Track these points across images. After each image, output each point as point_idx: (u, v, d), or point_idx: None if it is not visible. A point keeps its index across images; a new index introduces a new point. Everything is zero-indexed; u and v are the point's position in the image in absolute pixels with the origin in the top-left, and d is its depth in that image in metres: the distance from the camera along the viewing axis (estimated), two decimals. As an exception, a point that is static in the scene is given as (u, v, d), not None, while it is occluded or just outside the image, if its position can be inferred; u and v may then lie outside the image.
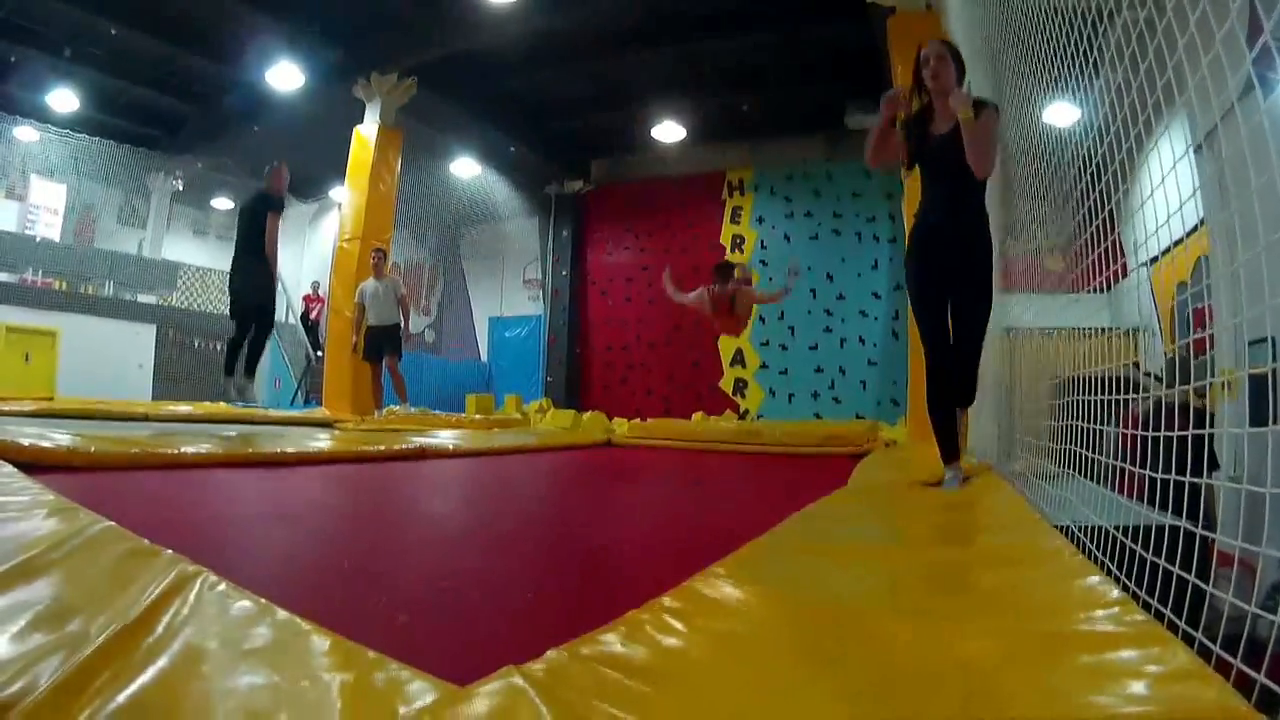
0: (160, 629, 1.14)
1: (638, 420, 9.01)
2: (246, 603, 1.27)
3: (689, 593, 1.45)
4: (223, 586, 1.33)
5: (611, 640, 1.17)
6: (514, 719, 0.90)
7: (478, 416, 9.98)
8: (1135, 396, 2.25)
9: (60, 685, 0.94)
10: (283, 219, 7.18)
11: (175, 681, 0.99)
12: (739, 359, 13.82)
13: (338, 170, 12.06)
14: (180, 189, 16.69)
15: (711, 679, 1.08)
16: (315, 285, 15.66)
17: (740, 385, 13.75)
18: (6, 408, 7.24)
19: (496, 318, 17.12)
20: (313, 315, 15.50)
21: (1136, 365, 2.66)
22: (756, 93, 12.37)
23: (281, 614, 1.22)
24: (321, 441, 5.54)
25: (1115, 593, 1.38)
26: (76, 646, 1.04)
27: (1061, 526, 2.25)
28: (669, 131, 13.42)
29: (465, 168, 15.03)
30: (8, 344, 13.60)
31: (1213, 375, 1.93)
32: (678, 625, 1.27)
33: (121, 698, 0.93)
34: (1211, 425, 1.92)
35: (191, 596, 1.28)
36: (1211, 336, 1.81)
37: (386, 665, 1.06)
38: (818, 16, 9.89)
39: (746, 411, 13.37)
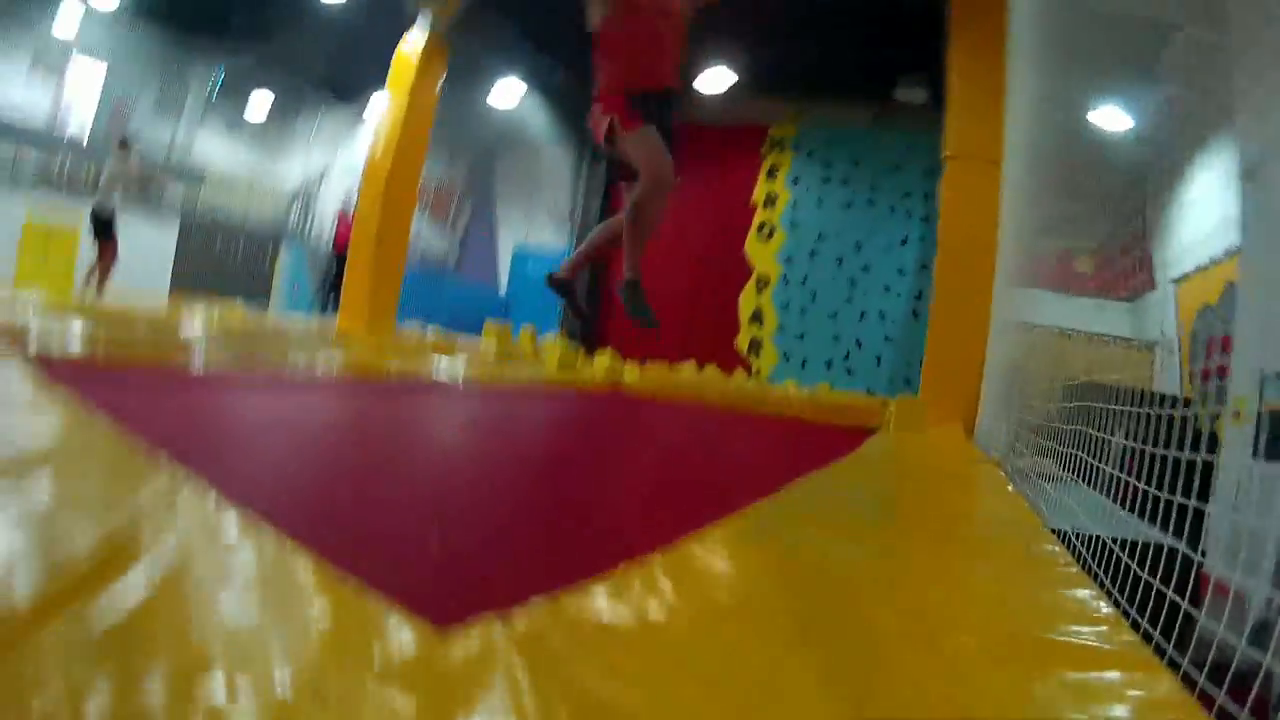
0: (146, 540, 1.15)
1: (649, 366, 8.98)
2: (236, 518, 1.29)
3: (682, 553, 1.46)
4: (214, 499, 1.35)
5: (598, 594, 1.19)
6: (489, 669, 0.92)
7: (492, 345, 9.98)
8: (1148, 411, 2.25)
9: (40, 595, 0.94)
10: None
11: (155, 599, 1.00)
12: (758, 317, 13.75)
13: (381, 78, 11.90)
14: (219, 85, 16.50)
15: (693, 645, 1.10)
16: (345, 203, 13.79)
17: (755, 345, 13.69)
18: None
19: (522, 247, 17.07)
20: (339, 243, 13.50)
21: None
22: (809, 49, 12.13)
23: (269, 533, 1.24)
24: (337, 357, 5.58)
25: (1106, 609, 1.39)
26: (61, 556, 1.05)
27: (1060, 532, 2.26)
28: (717, 78, 13.17)
29: (509, 89, 14.81)
30: (26, 243, 13.52)
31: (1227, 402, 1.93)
32: (667, 586, 1.28)
33: (99, 612, 0.93)
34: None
35: (183, 508, 1.29)
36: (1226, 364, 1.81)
37: (367, 600, 1.07)
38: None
39: (758, 373, 13.35)
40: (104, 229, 9.88)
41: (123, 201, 10.19)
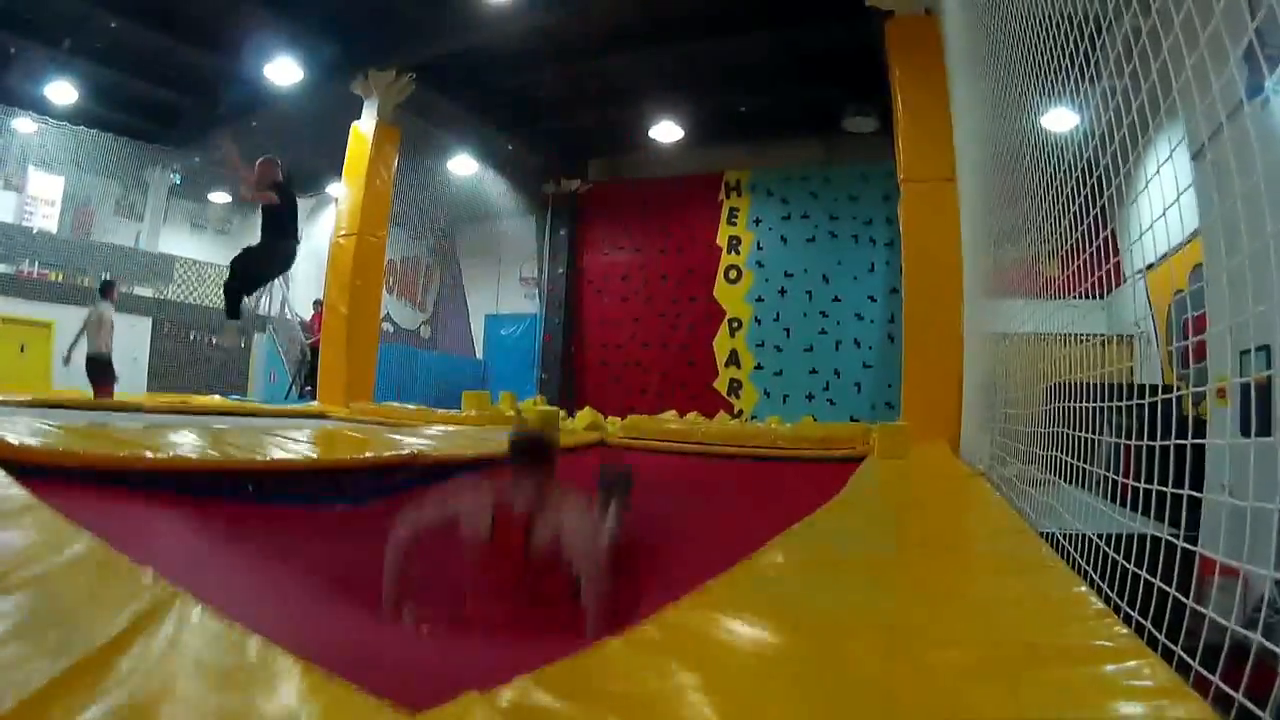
0: (134, 650, 1.14)
1: (632, 417, 8.93)
2: (220, 627, 1.27)
3: (667, 621, 1.43)
4: (198, 610, 1.33)
5: (582, 669, 1.16)
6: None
7: (473, 413, 9.92)
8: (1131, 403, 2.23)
9: (27, 704, 0.93)
10: None
11: (144, 703, 0.99)
12: (734, 360, 13.81)
13: (335, 166, 12.02)
14: (178, 183, 16.64)
15: (681, 713, 1.06)
16: (318, 304, 13.61)
17: (735, 386, 13.74)
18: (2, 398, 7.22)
19: (493, 315, 17.12)
20: (314, 337, 13.54)
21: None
22: (755, 94, 12.35)
23: (252, 639, 1.22)
24: (314, 448, 5.49)
25: (1097, 604, 1.37)
26: (48, 665, 1.04)
27: (1047, 534, 2.24)
28: (667, 131, 13.38)
29: (463, 165, 14.97)
30: (2, 335, 13.58)
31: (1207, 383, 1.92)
32: (653, 654, 1.25)
33: (88, 717, 0.93)
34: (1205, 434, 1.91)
35: (167, 619, 1.28)
36: (1204, 344, 1.80)
37: (349, 692, 1.05)
38: (816, 18, 9.87)
39: (740, 412, 13.34)
40: (103, 372, 9.89)
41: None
